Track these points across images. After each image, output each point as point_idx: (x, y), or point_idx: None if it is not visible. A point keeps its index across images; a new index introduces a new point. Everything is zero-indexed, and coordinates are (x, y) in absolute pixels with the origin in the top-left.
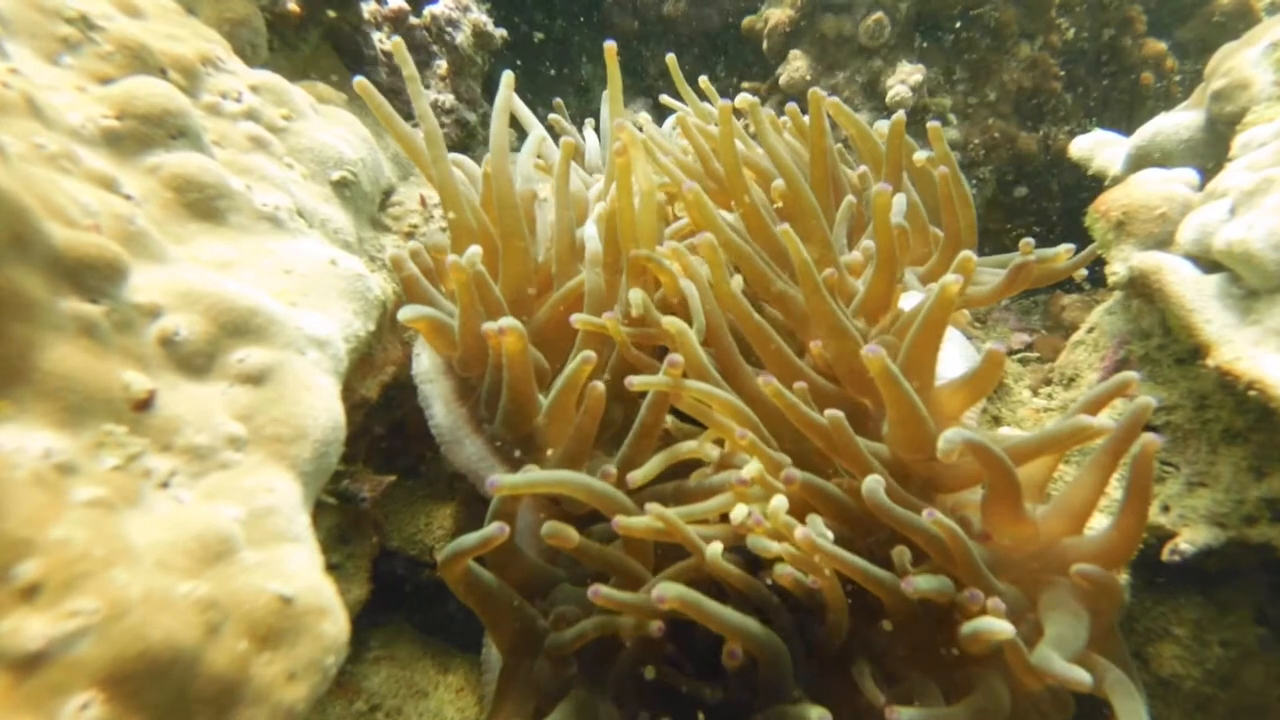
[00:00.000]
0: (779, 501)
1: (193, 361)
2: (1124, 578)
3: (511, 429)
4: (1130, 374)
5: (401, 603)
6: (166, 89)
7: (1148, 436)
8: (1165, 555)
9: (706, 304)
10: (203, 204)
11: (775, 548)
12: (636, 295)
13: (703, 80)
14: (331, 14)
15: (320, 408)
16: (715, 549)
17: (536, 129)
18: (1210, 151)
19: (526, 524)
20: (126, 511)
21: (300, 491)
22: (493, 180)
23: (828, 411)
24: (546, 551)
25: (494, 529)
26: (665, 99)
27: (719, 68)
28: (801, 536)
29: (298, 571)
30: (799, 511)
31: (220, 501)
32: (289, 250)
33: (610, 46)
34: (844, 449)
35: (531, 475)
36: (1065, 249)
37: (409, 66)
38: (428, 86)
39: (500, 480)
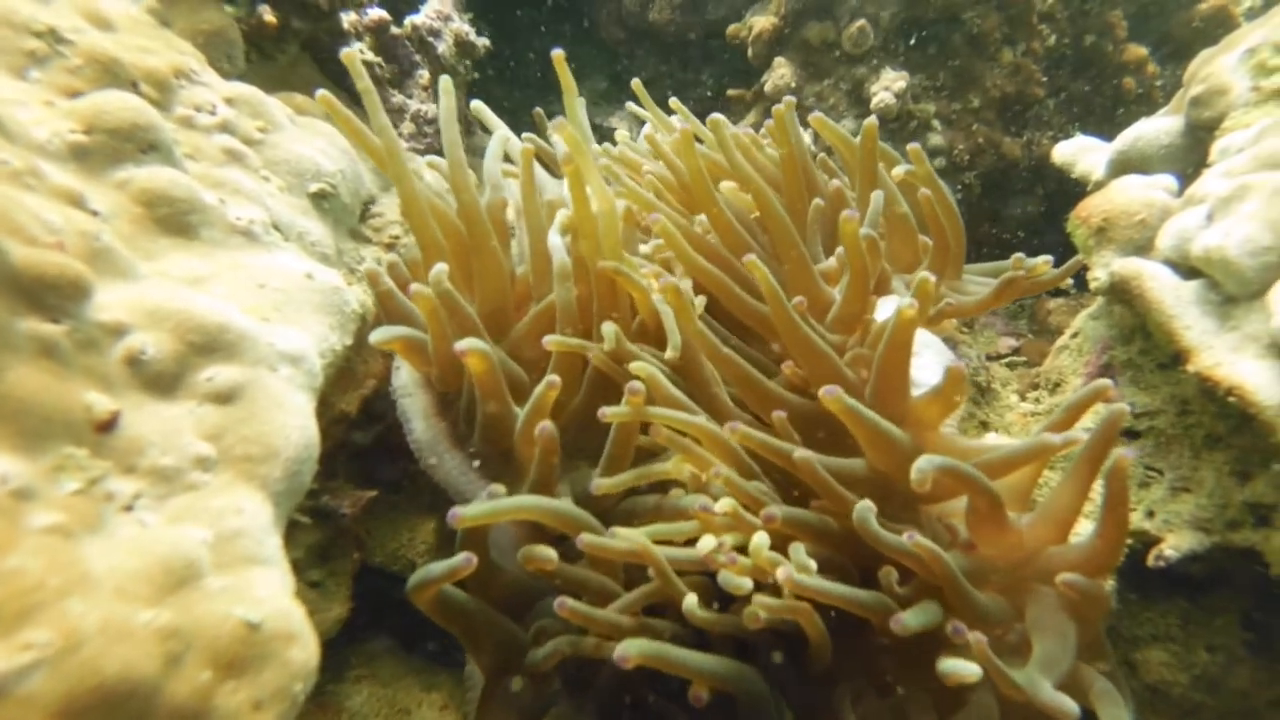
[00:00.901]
0: (760, 539)
1: (160, 380)
2: (1110, 584)
3: (490, 444)
4: (1105, 381)
5: (384, 620)
6: (137, 102)
7: (1119, 452)
8: (1150, 561)
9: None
10: (174, 219)
11: (748, 586)
12: (609, 329)
13: (673, 101)
14: (307, 25)
15: (292, 425)
16: (691, 601)
17: (499, 130)
18: (1190, 157)
19: (508, 539)
20: (86, 537)
21: (271, 512)
22: (455, 194)
23: (796, 454)
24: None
25: (460, 561)
26: (632, 107)
27: (705, 75)
28: (784, 577)
29: (266, 596)
30: (779, 540)
31: (187, 524)
32: (263, 264)
33: (558, 54)
34: (818, 485)
35: (493, 504)
36: (1044, 260)
37: (363, 79)
38: (410, 97)
39: (461, 513)
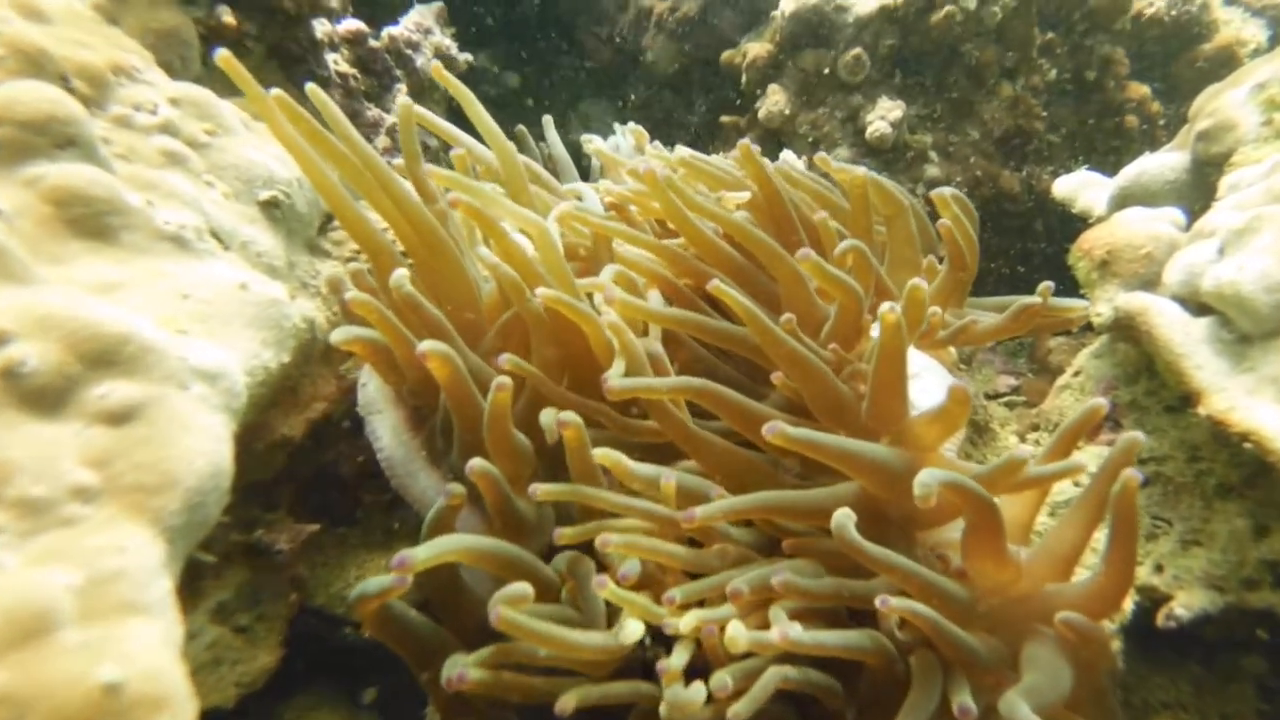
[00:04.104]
0: (735, 630)
1: (41, 397)
2: (1117, 645)
3: (468, 459)
4: (1099, 401)
5: (325, 669)
6: (54, 93)
7: (1128, 472)
8: (1160, 621)
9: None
10: (89, 220)
11: (699, 699)
12: (548, 418)
13: (649, 151)
14: (273, 31)
15: (198, 451)
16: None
17: (400, 99)
18: (1196, 193)
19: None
20: None
21: (162, 551)
22: (396, 204)
23: (777, 576)
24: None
25: (390, 581)
26: (595, 147)
27: (698, 101)
28: (779, 637)
29: (138, 651)
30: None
31: (52, 566)
32: (191, 273)
33: (436, 65)
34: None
35: (436, 546)
36: (1073, 302)
37: (251, 86)
38: (388, 111)
39: (406, 559)
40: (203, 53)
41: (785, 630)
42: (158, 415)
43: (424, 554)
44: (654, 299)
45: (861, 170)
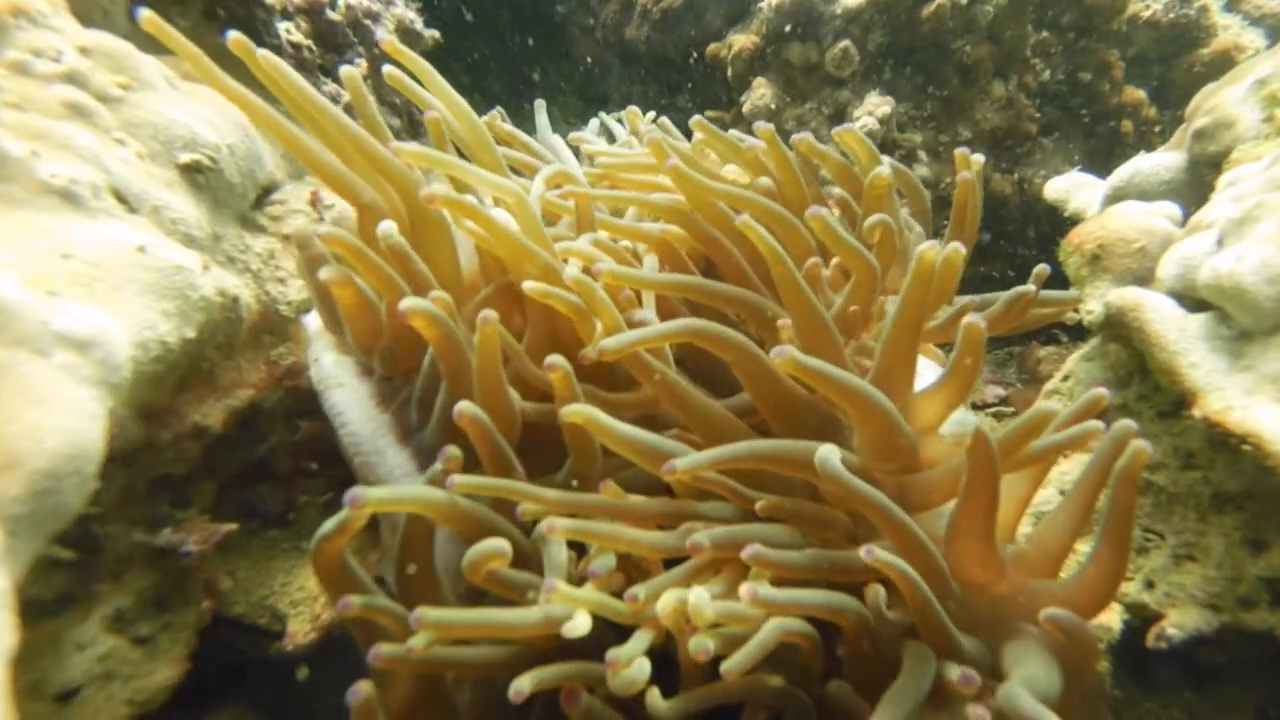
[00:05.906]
0: (699, 598)
1: None
2: (1105, 665)
3: (451, 432)
4: (1100, 391)
5: (241, 685)
6: None
7: (1137, 443)
8: (1151, 641)
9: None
10: None
11: (643, 676)
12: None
13: (639, 124)
14: None
15: (50, 427)
16: (654, 695)
17: (346, 70)
18: (1192, 194)
19: (450, 558)
20: None
21: None
22: (384, 169)
23: (747, 550)
24: (468, 593)
25: (346, 514)
26: (590, 148)
27: (683, 95)
28: (748, 595)
29: None
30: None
31: None
32: (79, 231)
33: (389, 40)
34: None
35: (397, 491)
36: (1075, 294)
37: (182, 44)
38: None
39: (357, 495)
40: (128, 7)
41: (754, 588)
42: (3, 385)
43: (379, 494)
44: (649, 264)
45: (885, 169)
